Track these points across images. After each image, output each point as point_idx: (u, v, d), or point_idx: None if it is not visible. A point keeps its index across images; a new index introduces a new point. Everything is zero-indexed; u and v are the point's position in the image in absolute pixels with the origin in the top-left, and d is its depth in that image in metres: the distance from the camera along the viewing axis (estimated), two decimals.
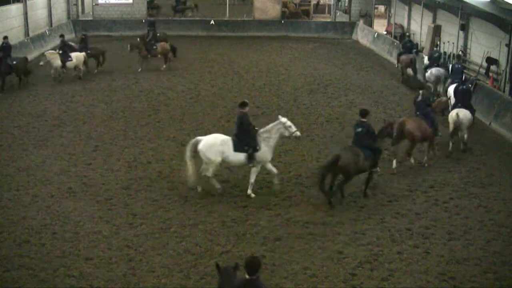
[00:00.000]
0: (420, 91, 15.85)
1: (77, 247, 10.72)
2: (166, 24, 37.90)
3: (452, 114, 16.11)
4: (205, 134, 17.35)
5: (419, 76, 24.22)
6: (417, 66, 24.37)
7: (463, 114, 16.08)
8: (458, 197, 13.22)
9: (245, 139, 12.94)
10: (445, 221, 11.98)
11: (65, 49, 23.56)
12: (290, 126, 13.09)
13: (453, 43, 26.73)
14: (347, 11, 41.32)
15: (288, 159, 15.49)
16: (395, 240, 11.13)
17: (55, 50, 23.92)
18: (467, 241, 11.16)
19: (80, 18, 39.09)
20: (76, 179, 13.94)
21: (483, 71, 23.98)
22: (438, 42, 26.59)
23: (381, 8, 43.68)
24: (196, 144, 12.91)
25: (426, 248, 10.84)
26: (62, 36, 24.89)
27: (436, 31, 29.39)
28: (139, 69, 25.83)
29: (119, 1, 38.32)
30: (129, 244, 10.87)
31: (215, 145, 12.88)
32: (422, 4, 30.32)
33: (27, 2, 30.75)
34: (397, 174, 14.42)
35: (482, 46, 24.62)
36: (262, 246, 10.83)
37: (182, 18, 39.31)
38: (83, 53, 24.41)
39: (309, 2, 43.68)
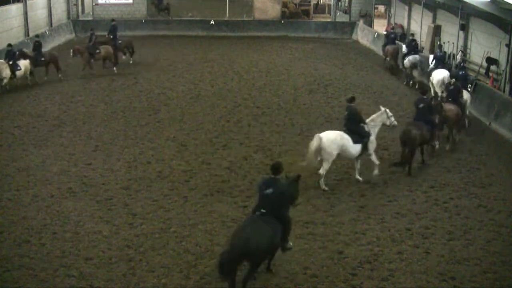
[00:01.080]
0: (452, 80, 17.96)
1: (77, 247, 10.72)
2: (166, 24, 38.02)
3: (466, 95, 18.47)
4: (205, 134, 17.50)
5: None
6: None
7: (467, 95, 18.45)
8: (458, 197, 13.22)
9: (358, 131, 13.70)
10: (445, 221, 11.98)
11: (14, 59, 22.43)
12: (391, 116, 14.34)
13: (453, 43, 26.72)
14: (347, 11, 41.33)
15: (288, 159, 15.47)
16: (395, 240, 11.13)
17: (5, 59, 22.40)
18: (467, 241, 11.16)
19: (80, 18, 39.08)
20: (76, 179, 13.94)
21: (483, 71, 23.98)
22: (412, 33, 28.71)
23: (381, 8, 43.68)
24: (319, 142, 13.28)
25: (426, 248, 10.84)
26: (9, 45, 23.10)
27: (436, 31, 29.40)
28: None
29: (119, 1, 38.32)
30: (129, 244, 10.87)
31: (336, 139, 13.41)
32: (422, 4, 30.30)
33: (27, 2, 30.75)
34: (397, 172, 14.42)
35: (482, 46, 24.62)
36: None
37: (182, 18, 39.28)
38: (27, 61, 23.13)
39: (309, 2, 43.68)
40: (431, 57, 23.35)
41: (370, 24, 37.46)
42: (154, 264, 10.19)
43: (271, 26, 38.05)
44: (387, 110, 14.27)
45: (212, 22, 37.89)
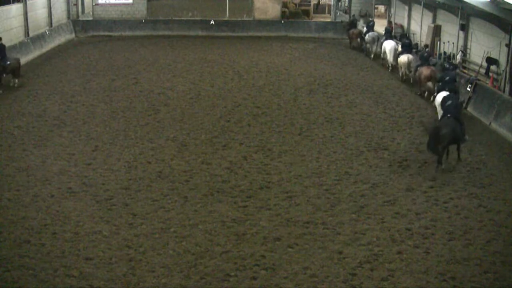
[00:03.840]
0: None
1: (77, 247, 10.72)
2: (166, 24, 38.03)
3: (403, 58, 24.54)
4: (205, 134, 17.50)
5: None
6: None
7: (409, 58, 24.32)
8: (458, 197, 13.22)
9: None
10: (445, 221, 11.98)
11: None
12: None
13: (453, 43, 26.73)
14: (347, 11, 41.32)
15: (288, 159, 15.50)
16: (395, 240, 11.13)
17: None
18: (467, 241, 11.16)
19: (80, 18, 39.09)
20: (76, 179, 13.94)
21: (483, 71, 23.98)
22: (371, 16, 35.44)
23: (381, 8, 43.68)
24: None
25: (426, 248, 10.85)
26: None
27: (436, 31, 29.41)
28: None
29: (119, 1, 38.32)
30: (129, 244, 10.87)
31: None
32: (422, 4, 30.30)
33: (27, 2, 30.73)
34: (397, 172, 14.44)
35: (482, 46, 24.62)
36: (262, 246, 10.84)
37: (182, 18, 39.28)
38: None
39: (309, 2, 43.68)
40: (383, 31, 30.71)
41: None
42: (154, 264, 10.19)
43: (271, 26, 38.03)
44: None
45: (212, 22, 37.89)
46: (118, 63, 27.92)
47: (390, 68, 27.06)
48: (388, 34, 29.31)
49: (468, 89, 20.95)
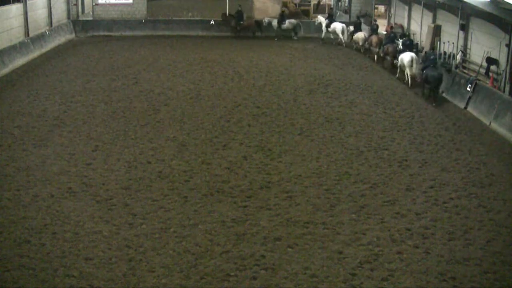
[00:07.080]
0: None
1: (77, 247, 10.73)
2: (166, 24, 38.02)
3: (360, 35, 31.82)
4: (205, 134, 17.50)
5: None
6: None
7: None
8: (458, 197, 13.23)
9: None
10: (445, 221, 11.99)
11: None
12: None
13: (453, 43, 26.71)
14: (347, 11, 41.30)
15: (288, 159, 15.50)
16: (395, 240, 11.14)
17: None
18: (467, 241, 11.17)
19: (80, 18, 39.08)
20: (76, 179, 13.94)
21: (483, 71, 23.98)
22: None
23: (381, 8, 43.66)
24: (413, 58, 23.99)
25: (426, 248, 10.85)
26: None
27: (436, 31, 29.40)
28: None
29: (119, 1, 38.31)
30: (129, 244, 10.87)
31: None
32: (422, 4, 30.29)
33: (27, 2, 30.70)
34: (397, 172, 14.43)
35: (482, 46, 24.61)
36: (262, 246, 10.84)
37: (182, 18, 39.25)
38: None
39: (309, 2, 43.65)
40: (326, 16, 36.66)
41: (370, 24, 37.36)
42: (154, 264, 10.19)
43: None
44: None
45: (212, 22, 37.88)
46: (118, 63, 27.90)
47: (343, 45, 33.28)
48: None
49: (468, 89, 20.95)
